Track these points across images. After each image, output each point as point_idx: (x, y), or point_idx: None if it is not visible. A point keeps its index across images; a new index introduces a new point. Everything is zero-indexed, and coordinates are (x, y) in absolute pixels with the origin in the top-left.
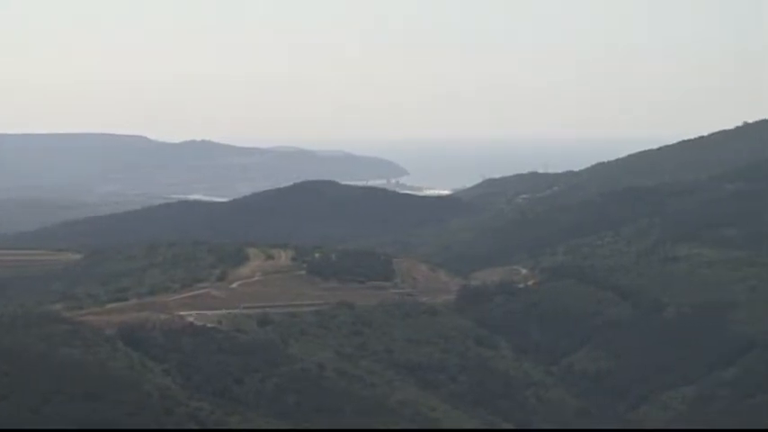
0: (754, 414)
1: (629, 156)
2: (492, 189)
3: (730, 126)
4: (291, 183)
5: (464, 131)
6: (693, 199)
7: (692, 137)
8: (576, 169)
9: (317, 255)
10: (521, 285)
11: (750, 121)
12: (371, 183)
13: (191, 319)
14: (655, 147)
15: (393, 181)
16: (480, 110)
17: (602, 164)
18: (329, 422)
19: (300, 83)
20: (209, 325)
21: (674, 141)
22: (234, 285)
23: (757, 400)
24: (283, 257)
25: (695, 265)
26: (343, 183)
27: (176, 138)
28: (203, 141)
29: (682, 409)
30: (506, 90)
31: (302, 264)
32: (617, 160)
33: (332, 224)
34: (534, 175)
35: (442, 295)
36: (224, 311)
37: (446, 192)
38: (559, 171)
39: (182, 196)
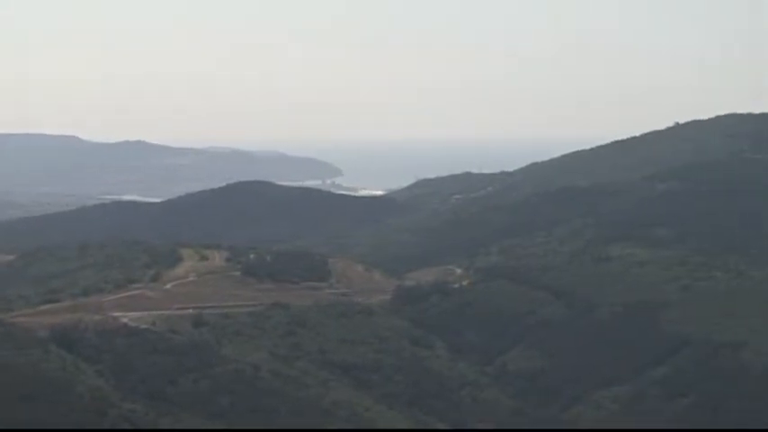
0: (685, 413)
1: (563, 156)
2: (426, 189)
3: (662, 126)
4: (226, 183)
5: (398, 132)
6: (626, 199)
7: (624, 137)
8: (510, 170)
9: (251, 255)
10: (455, 285)
11: (681, 121)
12: (306, 183)
13: (124, 320)
14: (588, 147)
15: (328, 181)
16: (414, 110)
17: (535, 164)
18: (264, 423)
19: (236, 83)
20: (142, 326)
21: (607, 142)
22: (168, 286)
23: (689, 399)
24: (218, 258)
25: (628, 264)
26: (278, 183)
27: (110, 138)
28: (138, 142)
29: (614, 409)
30: (439, 91)
31: (237, 264)
32: (550, 161)
33: (267, 225)
34: (468, 175)
35: (378, 295)
36: (158, 312)
37: (380, 192)
38: (493, 171)
39: (116, 197)
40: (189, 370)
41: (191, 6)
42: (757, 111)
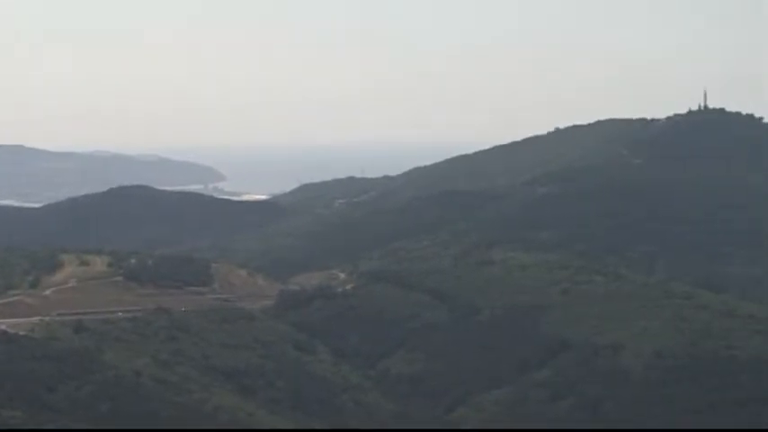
0: (566, 415)
1: (446, 160)
2: (310, 194)
3: (543, 131)
4: (107, 188)
5: (282, 137)
6: (508, 203)
7: (506, 142)
8: (393, 174)
9: (133, 260)
10: (339, 290)
11: (561, 126)
12: (189, 188)
13: (2, 327)
14: (470, 152)
15: (210, 186)
16: (297, 116)
17: (418, 169)
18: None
19: (118, 87)
20: (21, 333)
21: (489, 146)
22: (47, 292)
23: (570, 401)
24: (99, 264)
25: (510, 268)
26: (160, 188)
27: None
28: (15, 146)
29: (496, 411)
30: (321, 96)
31: (118, 270)
32: (433, 165)
33: (148, 230)
34: (351, 179)
35: (261, 300)
36: (37, 319)
37: (264, 197)
38: (376, 176)
39: None
40: (69, 376)
41: (73, 8)
42: (635, 116)
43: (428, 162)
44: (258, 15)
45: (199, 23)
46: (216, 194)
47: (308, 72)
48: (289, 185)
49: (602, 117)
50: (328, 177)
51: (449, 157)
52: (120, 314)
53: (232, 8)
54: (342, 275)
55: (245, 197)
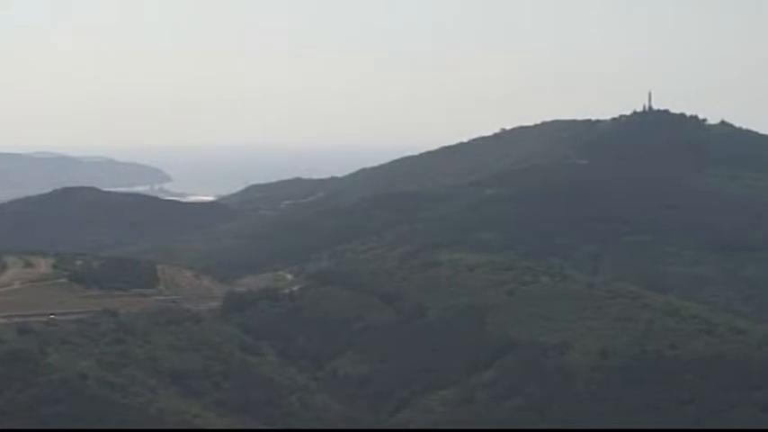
0: (512, 415)
1: (392, 162)
2: (256, 195)
3: (489, 133)
4: (52, 189)
5: (228, 138)
6: (454, 204)
7: (452, 143)
8: (340, 175)
9: (78, 262)
10: (285, 291)
11: (507, 127)
12: (135, 189)
13: None
14: (416, 153)
15: (156, 187)
16: (243, 117)
17: (365, 170)
18: None
19: (63, 88)
20: None
21: (435, 148)
22: None
23: (516, 401)
24: (43, 265)
25: (456, 269)
26: (106, 189)
27: None
28: None
29: (442, 412)
30: (267, 97)
31: (63, 272)
32: (380, 166)
33: (94, 231)
34: (298, 180)
35: (207, 302)
36: None
37: (210, 198)
38: (323, 177)
39: None
40: (13, 379)
41: (16, 10)
42: (581, 117)
43: (375, 163)
44: (207, 12)
45: (145, 21)
46: (162, 196)
47: (254, 72)
48: (235, 186)
49: (548, 118)
50: (275, 178)
51: (395, 158)
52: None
53: (178, 5)
54: (289, 277)
55: (192, 198)
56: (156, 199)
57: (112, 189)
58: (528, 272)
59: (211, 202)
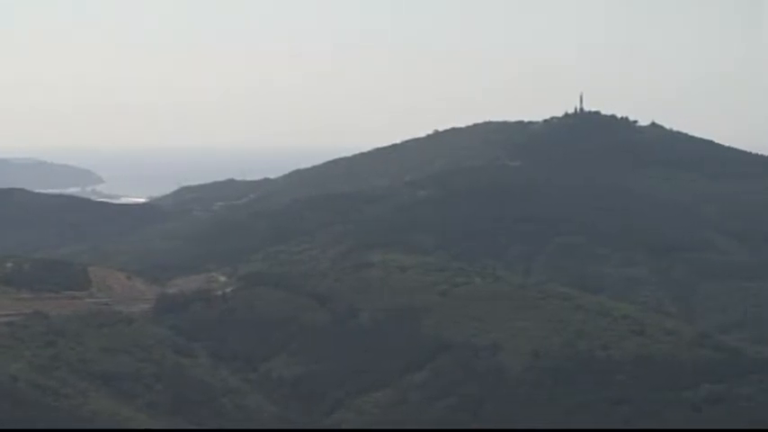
0: (445, 416)
1: (326, 163)
2: (189, 196)
3: (422, 134)
4: None
5: (161, 139)
6: (387, 205)
7: (385, 145)
8: (273, 177)
9: (8, 264)
10: (218, 293)
11: (440, 129)
12: (66, 191)
13: None
14: (349, 154)
15: (88, 189)
16: (174, 118)
17: (298, 171)
18: None
19: None
20: None
21: (369, 149)
22: None
23: (446, 402)
24: None
25: (389, 270)
26: (37, 191)
27: None
28: None
29: (376, 413)
30: (198, 98)
31: None
32: (313, 167)
33: (24, 233)
34: (231, 182)
35: (140, 304)
36: None
37: (142, 200)
38: (256, 179)
39: None
40: None
41: None
42: (512, 119)
43: (308, 165)
44: (141, 11)
45: (70, 20)
46: (94, 197)
47: (186, 74)
48: (168, 188)
49: (480, 120)
50: (208, 180)
51: (329, 159)
52: None
53: (117, 7)
54: (221, 278)
55: (124, 200)
56: (88, 201)
57: (43, 191)
58: (460, 273)
59: (144, 204)
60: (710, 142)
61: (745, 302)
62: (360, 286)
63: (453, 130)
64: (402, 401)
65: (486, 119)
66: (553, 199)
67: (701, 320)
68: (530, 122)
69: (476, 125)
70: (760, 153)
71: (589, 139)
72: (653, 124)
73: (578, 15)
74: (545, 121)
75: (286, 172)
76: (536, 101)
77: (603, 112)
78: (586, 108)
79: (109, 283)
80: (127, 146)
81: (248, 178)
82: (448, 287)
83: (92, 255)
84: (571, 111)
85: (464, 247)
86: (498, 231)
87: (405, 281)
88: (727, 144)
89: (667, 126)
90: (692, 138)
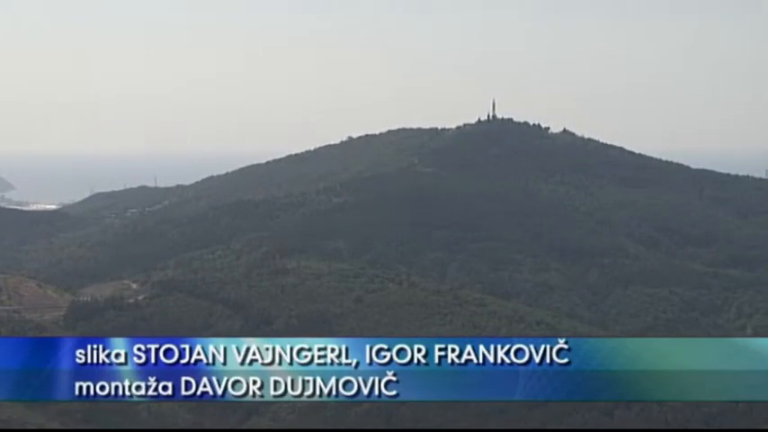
0: (359, 420)
1: (239, 170)
2: (101, 203)
3: (336, 140)
4: None
5: (71, 146)
6: (301, 212)
7: (299, 151)
8: (187, 183)
9: None
10: (131, 300)
11: (354, 135)
12: None
13: None
14: (263, 161)
15: None
16: (84, 123)
17: (211, 178)
18: None
19: None
20: None
21: (282, 156)
22: None
23: (364, 407)
24: None
25: (304, 277)
26: None
27: None
28: None
29: (291, 419)
30: (109, 103)
31: None
32: (226, 174)
33: None
34: (144, 188)
35: (51, 312)
36: None
37: (53, 206)
38: (169, 185)
39: None
40: None
41: None
42: (426, 125)
43: (222, 171)
44: (46, 12)
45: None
46: (4, 204)
47: (97, 78)
48: (80, 195)
49: (395, 126)
50: (121, 186)
51: (242, 166)
52: None
53: (41, 8)
54: (134, 286)
55: (35, 207)
56: None
57: None
58: (375, 279)
59: (55, 211)
60: (621, 149)
61: (655, 307)
62: (275, 293)
63: (367, 136)
64: (320, 407)
65: (401, 125)
66: (467, 205)
67: (614, 325)
68: (443, 129)
69: (390, 132)
70: (671, 160)
71: (501, 145)
72: (564, 131)
73: (499, 21)
74: (458, 127)
75: (199, 179)
76: (450, 107)
77: (516, 118)
78: (499, 115)
79: (20, 291)
80: (37, 152)
81: (161, 185)
82: (363, 293)
83: (2, 262)
84: (484, 117)
85: (379, 253)
86: (413, 237)
87: (320, 287)
88: (638, 151)
89: (579, 133)
90: (604, 144)
